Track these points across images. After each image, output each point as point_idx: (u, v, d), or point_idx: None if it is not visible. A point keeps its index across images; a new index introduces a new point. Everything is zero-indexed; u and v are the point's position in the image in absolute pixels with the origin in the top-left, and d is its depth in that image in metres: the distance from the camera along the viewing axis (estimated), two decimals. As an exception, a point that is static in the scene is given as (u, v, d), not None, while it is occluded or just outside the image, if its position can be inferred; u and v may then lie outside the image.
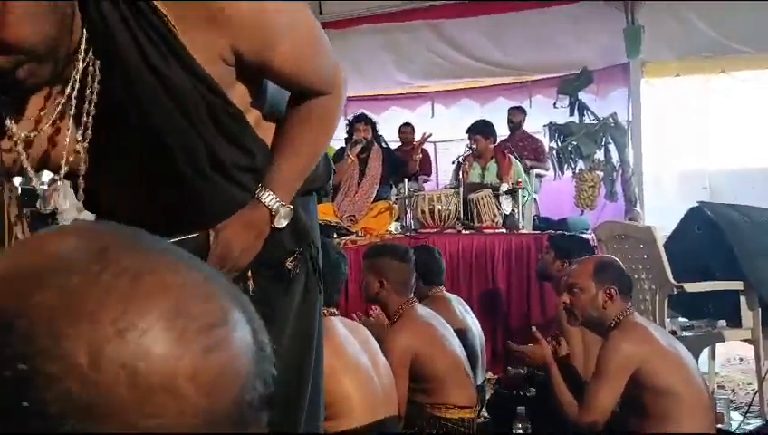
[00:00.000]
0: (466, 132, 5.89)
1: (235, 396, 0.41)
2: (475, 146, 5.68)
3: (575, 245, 3.70)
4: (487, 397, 3.63)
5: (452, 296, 3.79)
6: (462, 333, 3.42)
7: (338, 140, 7.27)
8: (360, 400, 2.25)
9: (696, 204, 4.09)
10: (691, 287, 3.55)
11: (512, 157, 5.86)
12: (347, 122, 6.23)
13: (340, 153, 6.16)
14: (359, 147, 5.90)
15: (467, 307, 3.80)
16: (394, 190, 6.05)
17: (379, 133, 6.11)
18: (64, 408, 0.37)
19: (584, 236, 4.84)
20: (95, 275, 0.40)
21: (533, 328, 2.87)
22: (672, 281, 3.51)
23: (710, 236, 3.77)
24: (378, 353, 2.50)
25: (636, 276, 3.58)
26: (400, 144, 7.20)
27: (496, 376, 4.31)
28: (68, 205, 5.14)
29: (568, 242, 3.76)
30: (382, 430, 2.33)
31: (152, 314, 0.39)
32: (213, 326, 0.41)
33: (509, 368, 4.02)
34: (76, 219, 4.97)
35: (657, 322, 3.42)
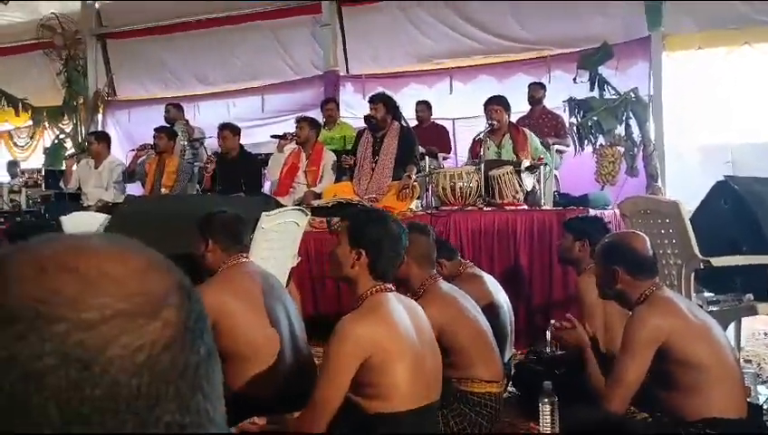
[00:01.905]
0: (484, 106, 5.81)
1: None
2: (494, 122, 5.59)
3: (590, 224, 3.66)
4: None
5: (484, 273, 3.79)
6: (493, 309, 3.42)
7: (358, 118, 7.26)
8: (407, 387, 2.24)
9: (722, 178, 4.03)
10: (718, 262, 3.50)
11: (526, 131, 5.78)
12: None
13: (359, 135, 6.14)
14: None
15: (498, 285, 3.78)
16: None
17: (399, 111, 6.04)
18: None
19: (597, 213, 4.81)
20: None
21: (568, 315, 2.85)
22: (698, 255, 3.47)
23: (737, 210, 3.72)
24: (429, 334, 2.42)
25: (661, 251, 3.55)
26: (417, 123, 7.15)
27: (519, 352, 4.30)
28: (92, 187, 5.23)
29: (582, 223, 3.71)
30: (423, 416, 2.32)
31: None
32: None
33: (532, 347, 4.04)
34: (100, 199, 5.02)
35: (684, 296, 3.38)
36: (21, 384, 0.47)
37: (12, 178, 9.01)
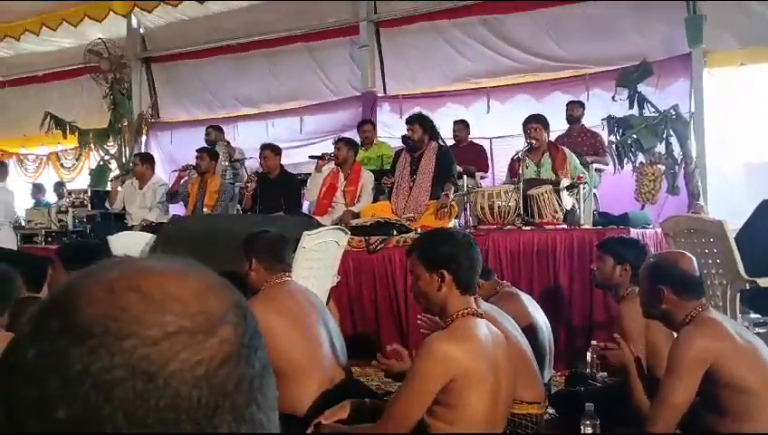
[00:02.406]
0: (522, 125, 5.80)
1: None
2: (533, 140, 5.57)
3: (630, 247, 3.48)
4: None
5: (521, 292, 3.77)
6: (531, 329, 3.39)
7: (395, 138, 7.31)
8: (479, 416, 2.21)
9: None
10: (764, 282, 3.43)
11: (565, 150, 5.74)
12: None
13: (397, 154, 6.19)
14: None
15: (536, 304, 3.75)
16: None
17: (437, 130, 6.07)
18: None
19: (637, 233, 4.75)
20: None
21: (616, 335, 2.81)
22: (744, 276, 3.41)
23: (783, 230, 3.65)
24: (507, 365, 2.37)
25: (706, 271, 3.49)
26: (454, 142, 7.16)
27: (559, 373, 4.25)
28: (136, 207, 5.36)
29: (622, 245, 3.49)
30: None
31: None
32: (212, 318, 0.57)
33: (573, 369, 3.98)
34: (144, 219, 5.14)
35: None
36: (93, 395, 0.52)
37: (59, 198, 9.27)
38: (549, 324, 3.73)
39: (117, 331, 0.53)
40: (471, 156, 7.06)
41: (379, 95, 8.91)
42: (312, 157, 6.95)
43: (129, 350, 0.53)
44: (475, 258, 2.35)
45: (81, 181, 10.50)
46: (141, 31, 10.58)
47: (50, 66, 11.22)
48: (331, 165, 6.46)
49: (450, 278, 2.27)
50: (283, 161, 6.86)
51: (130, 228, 6.33)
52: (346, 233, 4.61)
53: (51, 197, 10.09)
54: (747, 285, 3.43)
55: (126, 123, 10.24)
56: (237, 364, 0.56)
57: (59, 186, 10.04)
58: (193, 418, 0.53)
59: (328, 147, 7.59)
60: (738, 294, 3.46)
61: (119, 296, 0.55)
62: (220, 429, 0.54)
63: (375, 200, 6.28)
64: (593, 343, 2.82)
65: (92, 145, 10.40)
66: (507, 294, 3.63)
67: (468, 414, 2.20)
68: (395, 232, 5.28)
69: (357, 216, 5.88)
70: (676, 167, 6.44)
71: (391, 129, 8.26)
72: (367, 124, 7.65)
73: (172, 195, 7.13)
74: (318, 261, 4.20)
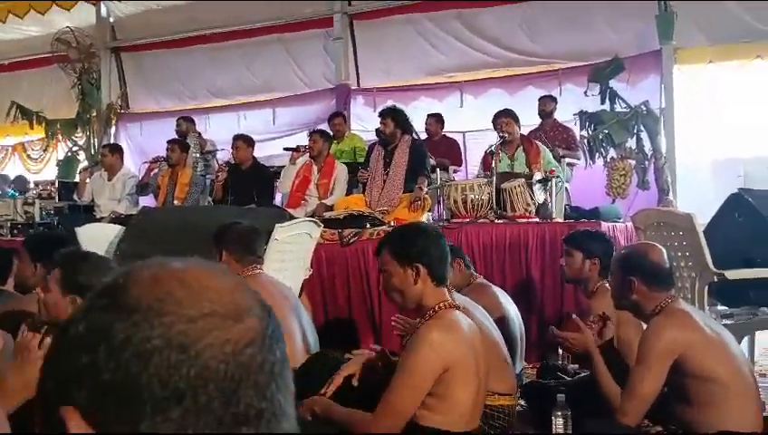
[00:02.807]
0: (492, 120, 5.83)
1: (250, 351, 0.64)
2: (505, 134, 5.60)
3: (599, 241, 3.51)
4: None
5: (493, 285, 3.79)
6: (503, 321, 3.41)
7: (369, 131, 7.30)
8: (468, 407, 2.23)
9: (736, 191, 4.02)
10: (732, 275, 3.49)
11: (539, 144, 5.78)
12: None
13: (370, 148, 6.18)
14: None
15: (508, 296, 3.77)
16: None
17: (410, 124, 6.07)
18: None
19: (608, 226, 4.80)
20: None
21: (574, 316, 2.83)
22: (712, 268, 3.47)
23: (751, 223, 3.71)
24: (485, 357, 2.39)
25: (675, 264, 3.53)
26: (426, 136, 7.14)
27: (531, 365, 4.28)
28: (105, 199, 5.29)
29: (591, 240, 3.50)
30: None
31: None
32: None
33: (545, 361, 4.01)
34: (113, 211, 5.09)
35: (697, 309, 3.37)
36: (133, 362, 0.61)
37: (20, 193, 9.12)
38: (520, 317, 3.75)
39: (158, 309, 0.62)
40: (444, 149, 7.06)
41: (352, 88, 8.88)
42: (286, 148, 6.91)
43: (168, 325, 0.62)
44: (445, 250, 2.37)
45: (48, 172, 10.31)
46: (111, 20, 10.40)
47: (16, 55, 10.97)
48: (306, 157, 6.42)
49: (425, 271, 2.27)
50: (256, 154, 6.80)
51: (99, 220, 6.23)
52: (319, 225, 4.59)
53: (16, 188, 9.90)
54: (715, 277, 3.49)
55: (95, 114, 10.07)
56: (261, 349, 0.64)
57: (19, 180, 9.88)
58: (219, 388, 0.61)
59: (300, 139, 7.55)
60: (706, 287, 3.52)
61: (162, 283, 0.65)
62: (243, 401, 0.62)
63: (348, 193, 6.26)
64: (552, 328, 2.81)
65: (60, 136, 10.22)
66: (480, 285, 3.65)
67: (456, 404, 2.21)
68: (368, 225, 5.27)
69: (330, 209, 5.85)
70: (647, 162, 6.53)
71: (365, 121, 8.24)
72: (338, 117, 7.61)
73: (142, 187, 7.03)
74: (290, 253, 4.17)
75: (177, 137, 7.41)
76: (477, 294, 3.39)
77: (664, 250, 2.65)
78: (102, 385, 0.61)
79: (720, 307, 3.84)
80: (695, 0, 6.96)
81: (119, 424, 0.60)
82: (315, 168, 6.27)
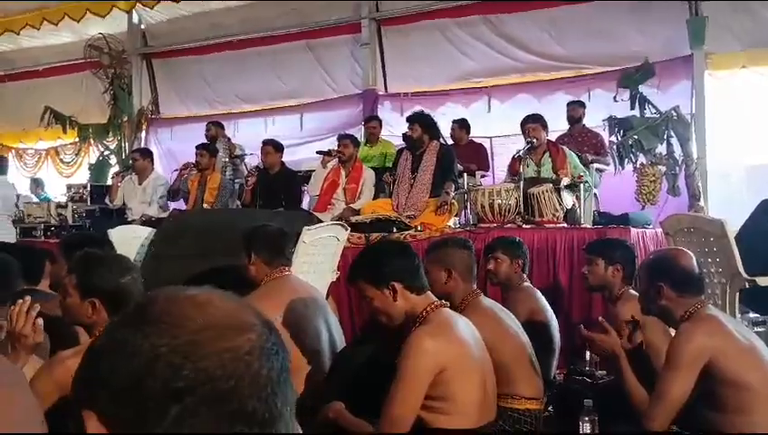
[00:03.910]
0: (521, 125, 5.82)
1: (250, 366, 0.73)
2: (533, 139, 5.59)
3: (620, 248, 3.52)
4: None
5: (536, 289, 3.80)
6: (544, 327, 3.43)
7: (396, 136, 7.33)
8: (473, 405, 2.26)
9: (768, 196, 3.97)
10: (764, 281, 3.45)
11: (565, 149, 5.76)
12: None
13: (399, 153, 6.21)
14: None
15: (544, 299, 3.78)
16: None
17: (438, 129, 6.09)
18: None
19: (637, 232, 4.77)
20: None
21: (600, 318, 2.82)
22: (743, 274, 3.43)
23: (783, 229, 3.66)
24: (486, 352, 2.45)
25: (705, 270, 3.51)
26: (452, 142, 7.13)
27: (558, 371, 4.27)
28: (136, 202, 5.39)
29: (612, 247, 3.53)
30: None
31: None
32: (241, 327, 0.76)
33: (573, 367, 3.99)
34: (144, 214, 5.19)
35: (728, 316, 3.33)
36: (141, 367, 0.70)
37: (35, 196, 9.32)
38: (556, 322, 3.76)
39: (168, 322, 0.73)
40: (472, 155, 7.06)
41: (380, 93, 8.92)
42: (319, 152, 6.98)
43: (175, 335, 0.71)
44: (416, 260, 2.41)
45: (80, 176, 10.50)
46: (142, 26, 10.59)
47: (50, 61, 11.22)
48: (335, 162, 6.48)
49: (401, 287, 2.31)
50: (284, 158, 6.87)
51: (130, 223, 6.34)
52: (346, 229, 4.63)
53: (49, 191, 10.10)
54: (746, 283, 3.45)
55: (126, 119, 10.25)
56: (259, 358, 0.73)
57: (34, 183, 10.12)
58: (216, 389, 0.70)
59: (327, 145, 7.61)
60: (737, 293, 3.48)
61: (175, 301, 0.76)
62: (239, 401, 0.70)
63: (375, 198, 6.29)
64: (580, 326, 2.80)
65: (92, 140, 10.42)
66: (526, 288, 3.67)
67: (461, 404, 2.23)
68: (395, 229, 5.30)
69: (357, 213, 5.89)
70: (677, 168, 6.46)
71: (392, 127, 8.27)
72: (374, 120, 7.65)
73: (173, 193, 7.14)
74: (317, 256, 4.22)
75: (206, 141, 7.51)
76: (522, 298, 3.42)
77: (693, 256, 2.64)
78: (115, 390, 0.70)
79: (752, 314, 3.79)
80: (727, 0, 6.88)
81: (127, 425, 0.69)
82: (343, 172, 6.32)
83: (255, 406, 0.71)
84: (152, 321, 0.73)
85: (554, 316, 3.72)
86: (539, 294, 3.72)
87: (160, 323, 0.72)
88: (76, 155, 11.15)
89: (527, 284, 3.76)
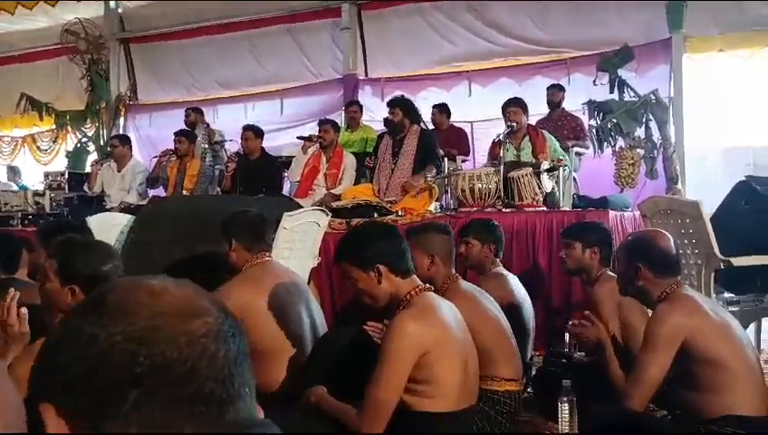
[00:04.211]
0: (502, 108, 5.83)
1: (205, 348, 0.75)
2: (513, 123, 5.60)
3: (596, 231, 3.55)
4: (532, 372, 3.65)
5: (507, 272, 3.82)
6: (515, 309, 3.45)
7: (377, 120, 7.32)
8: (456, 388, 2.28)
9: (743, 178, 4.02)
10: (738, 262, 3.50)
11: (545, 133, 5.78)
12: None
13: (380, 137, 6.20)
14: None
15: (521, 285, 3.81)
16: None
17: (419, 114, 6.09)
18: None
19: (615, 215, 4.82)
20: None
21: (587, 313, 2.85)
22: (719, 255, 3.48)
23: (757, 211, 3.72)
24: (469, 335, 2.46)
25: (682, 251, 3.55)
26: (432, 127, 7.12)
27: (537, 353, 4.31)
28: (115, 189, 5.35)
29: (589, 230, 3.56)
30: (465, 418, 2.35)
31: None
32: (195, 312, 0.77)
33: (551, 348, 4.04)
34: (123, 201, 5.14)
35: (704, 297, 3.38)
36: (98, 356, 0.71)
37: (14, 185, 9.21)
38: (530, 304, 3.78)
39: (123, 311, 0.74)
40: (453, 139, 7.07)
41: (360, 78, 8.89)
42: (300, 137, 6.94)
43: (130, 323, 0.73)
44: (402, 242, 2.41)
45: (58, 164, 10.38)
46: (120, 11, 10.44)
47: (26, 47, 11.03)
48: (315, 147, 6.45)
49: (386, 270, 2.31)
50: (264, 144, 6.83)
51: (109, 210, 6.29)
52: (327, 214, 4.63)
53: (26, 179, 9.98)
54: (722, 264, 3.50)
55: (104, 105, 10.14)
56: (215, 341, 0.75)
57: (11, 170, 9.99)
58: (174, 372, 0.71)
59: (308, 130, 7.57)
60: (713, 274, 3.53)
61: (131, 291, 0.77)
62: (196, 383, 0.72)
63: (357, 183, 6.28)
64: (571, 322, 2.85)
65: (69, 127, 10.30)
66: (494, 274, 3.67)
67: (444, 386, 2.25)
68: (376, 214, 5.30)
69: (338, 198, 5.88)
70: (655, 151, 6.53)
71: (373, 112, 8.25)
72: (354, 105, 7.62)
73: (152, 180, 7.08)
74: (298, 242, 4.21)
75: (185, 128, 7.45)
76: (491, 283, 3.44)
77: (670, 237, 2.67)
78: (72, 380, 0.71)
79: (727, 294, 3.85)
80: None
81: (86, 414, 0.70)
82: (324, 157, 6.30)
83: (213, 387, 0.73)
84: (108, 310, 0.74)
85: (527, 299, 3.74)
86: (511, 277, 3.73)
87: (116, 312, 0.74)
88: (53, 142, 10.99)
89: (498, 269, 3.76)
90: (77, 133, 10.16)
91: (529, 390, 3.56)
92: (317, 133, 6.44)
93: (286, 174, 6.91)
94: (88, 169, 7.80)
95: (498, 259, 3.82)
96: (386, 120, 6.11)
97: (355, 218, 5.18)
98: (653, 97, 6.47)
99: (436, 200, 5.60)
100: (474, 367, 2.45)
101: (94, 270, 2.16)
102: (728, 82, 7.24)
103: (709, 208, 3.98)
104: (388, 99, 6.75)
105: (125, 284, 0.79)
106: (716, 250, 3.47)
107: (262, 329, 2.79)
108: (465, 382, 2.34)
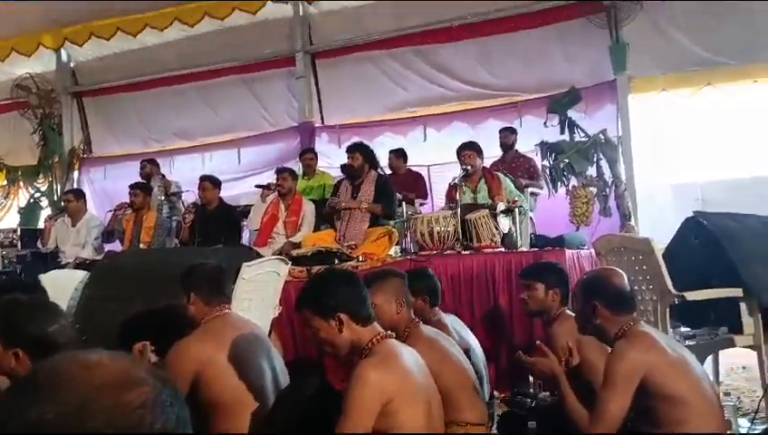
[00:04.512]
0: (456, 152, 5.93)
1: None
2: (468, 166, 5.69)
3: (555, 271, 3.57)
4: (495, 414, 3.64)
5: (447, 316, 3.80)
6: (463, 353, 3.43)
7: (334, 167, 7.36)
8: (418, 433, 2.25)
9: (692, 214, 4.14)
10: (691, 296, 3.58)
11: (500, 175, 5.89)
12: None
13: (338, 184, 6.22)
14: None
15: (463, 324, 3.79)
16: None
17: (377, 159, 6.14)
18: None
19: (572, 254, 4.90)
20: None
21: (538, 342, 2.88)
22: (672, 291, 3.55)
23: (707, 245, 3.82)
24: (431, 379, 2.43)
25: (637, 287, 3.62)
26: (390, 171, 7.18)
27: (502, 395, 4.31)
28: (69, 245, 5.23)
29: (550, 271, 3.56)
30: None
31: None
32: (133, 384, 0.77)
33: (516, 390, 4.03)
34: (78, 257, 5.02)
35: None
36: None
37: None
38: (480, 346, 3.78)
39: (56, 386, 0.73)
40: (410, 183, 7.15)
41: (317, 125, 8.97)
42: (258, 186, 6.93)
43: (62, 399, 0.72)
44: (363, 290, 2.40)
45: (9, 220, 10.15)
46: (72, 65, 10.39)
47: (-25, 102, 10.87)
48: (274, 195, 6.45)
49: (347, 318, 2.30)
50: (222, 194, 6.80)
51: (63, 267, 6.15)
52: (286, 263, 4.60)
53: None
54: (676, 299, 3.57)
55: (57, 159, 9.99)
56: (152, 411, 0.75)
57: None
58: None
59: (266, 179, 7.57)
60: (668, 309, 3.60)
61: (63, 366, 0.77)
62: None
63: (316, 230, 6.27)
64: (519, 353, 2.85)
65: (21, 182, 10.11)
66: (436, 323, 3.60)
67: (409, 432, 2.23)
68: (336, 261, 5.29)
69: (297, 246, 5.86)
70: (607, 189, 6.69)
71: (330, 158, 8.31)
72: (309, 153, 7.67)
73: (108, 234, 6.97)
74: (258, 292, 4.17)
75: (140, 181, 7.38)
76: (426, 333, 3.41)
77: (624, 274, 2.73)
78: None
79: (683, 329, 3.92)
80: (645, 30, 7.22)
81: None
82: (283, 205, 6.29)
83: None
84: (40, 387, 0.74)
85: (476, 341, 3.74)
86: (450, 327, 3.63)
87: (48, 390, 0.74)
88: (4, 198, 10.76)
89: (438, 317, 3.70)
90: (29, 188, 9.98)
91: (494, 432, 3.55)
92: (275, 181, 6.44)
93: (245, 223, 6.87)
94: (41, 225, 7.64)
95: (436, 308, 3.78)
96: (343, 166, 6.15)
97: (316, 266, 5.16)
98: (602, 137, 6.65)
99: (395, 244, 5.63)
100: (438, 413, 2.44)
101: (39, 332, 2.07)
102: (672, 121, 7.49)
103: (661, 244, 4.07)
104: (345, 145, 6.81)
105: (59, 358, 0.79)
106: (670, 285, 3.55)
107: (222, 382, 2.74)
108: (430, 429, 2.32)
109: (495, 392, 4.35)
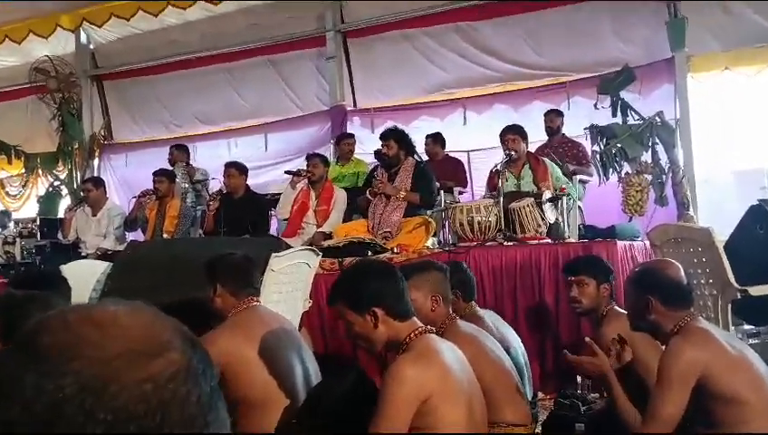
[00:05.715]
0: (500, 136, 5.88)
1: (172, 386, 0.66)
2: (512, 152, 5.65)
3: (603, 265, 3.54)
4: (540, 416, 3.64)
5: (484, 312, 3.80)
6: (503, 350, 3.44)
7: (367, 153, 7.39)
8: (463, 429, 2.27)
9: (756, 202, 4.07)
10: (756, 291, 3.53)
11: (547, 161, 5.84)
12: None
13: (372, 172, 6.24)
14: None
15: (503, 321, 3.78)
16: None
17: (413, 145, 6.13)
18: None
19: (617, 246, 4.84)
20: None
21: (588, 339, 2.87)
22: (735, 285, 3.51)
23: (774, 236, 3.76)
24: (473, 376, 2.44)
25: (695, 281, 3.58)
26: (427, 157, 7.17)
27: (548, 396, 4.30)
28: (90, 235, 5.36)
29: (598, 265, 3.51)
30: None
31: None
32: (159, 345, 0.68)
33: (563, 391, 4.01)
34: (99, 247, 5.15)
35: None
36: (47, 413, 0.62)
37: (2, 228, 9.16)
38: (521, 341, 3.78)
39: (69, 355, 0.64)
40: (449, 170, 7.13)
41: (348, 109, 8.99)
42: (288, 172, 6.97)
43: (79, 370, 0.63)
44: (400, 284, 2.40)
45: (28, 210, 10.40)
46: (91, 46, 10.57)
47: (-9, 87, 11.15)
48: (304, 183, 6.49)
49: (383, 313, 2.31)
50: (249, 182, 6.87)
51: (84, 258, 6.29)
52: (317, 254, 4.64)
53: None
54: (738, 294, 3.53)
55: (76, 146, 10.19)
56: (185, 382, 0.66)
57: (2, 215, 9.94)
58: (141, 427, 0.63)
59: (294, 165, 7.63)
60: (729, 305, 3.56)
61: (73, 327, 0.67)
62: None
63: (348, 219, 6.31)
64: (565, 352, 2.84)
65: (40, 170, 10.34)
66: (472, 315, 3.61)
67: (449, 430, 2.24)
68: (369, 253, 5.32)
69: (328, 236, 5.91)
70: (664, 176, 6.59)
71: (363, 144, 8.33)
72: (349, 138, 7.68)
73: (130, 222, 7.10)
74: (288, 284, 4.22)
75: (165, 167, 7.49)
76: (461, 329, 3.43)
77: (681, 266, 2.71)
78: None
79: (746, 326, 3.87)
80: (706, 0, 7.08)
81: None
82: (313, 193, 6.34)
83: None
84: (49, 355, 0.65)
85: (516, 337, 3.73)
86: (487, 322, 3.59)
87: (59, 358, 0.64)
88: (23, 187, 11.03)
89: (474, 310, 3.69)
90: (48, 177, 10.20)
91: (538, 432, 3.55)
92: (305, 168, 6.48)
93: (273, 212, 6.94)
94: (61, 214, 7.81)
95: (472, 302, 3.78)
96: (377, 153, 6.16)
97: (348, 258, 5.20)
98: (658, 119, 6.55)
99: (433, 235, 5.63)
100: (481, 413, 2.44)
101: None
102: (736, 102, 7.34)
103: (723, 235, 4.02)
104: (378, 130, 6.82)
105: (60, 317, 0.69)
106: (732, 279, 3.51)
107: (251, 379, 2.79)
108: (473, 430, 2.34)
109: (540, 394, 4.35)
